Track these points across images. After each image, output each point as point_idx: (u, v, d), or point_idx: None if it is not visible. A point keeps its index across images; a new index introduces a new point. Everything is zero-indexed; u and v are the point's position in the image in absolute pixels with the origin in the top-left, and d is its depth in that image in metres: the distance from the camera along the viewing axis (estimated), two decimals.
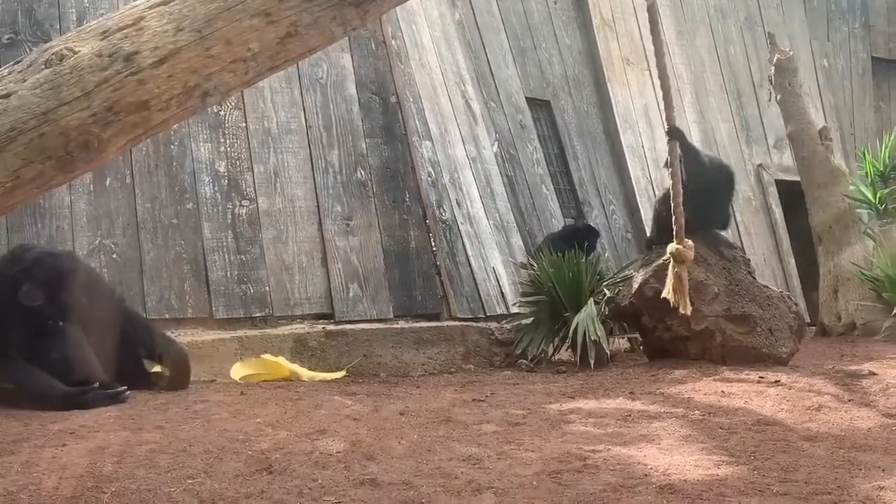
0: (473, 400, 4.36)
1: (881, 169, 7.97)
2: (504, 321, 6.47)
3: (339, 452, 3.15)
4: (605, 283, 6.11)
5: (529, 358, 5.95)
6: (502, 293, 6.88)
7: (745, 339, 5.19)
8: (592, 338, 5.57)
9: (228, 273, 5.79)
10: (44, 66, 3.00)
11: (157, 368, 4.70)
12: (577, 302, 5.92)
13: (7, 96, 2.97)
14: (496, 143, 7.63)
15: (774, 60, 8.21)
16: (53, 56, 3.00)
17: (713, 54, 9.71)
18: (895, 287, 7.17)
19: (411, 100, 6.84)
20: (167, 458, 3.03)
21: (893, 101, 11.14)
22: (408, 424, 3.68)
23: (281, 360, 5.29)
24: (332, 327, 5.89)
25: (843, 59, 10.77)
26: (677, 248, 4.79)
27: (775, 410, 3.91)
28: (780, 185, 9.56)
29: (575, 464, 3.07)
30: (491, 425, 3.68)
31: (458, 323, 6.31)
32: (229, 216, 5.92)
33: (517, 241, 7.34)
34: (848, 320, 7.53)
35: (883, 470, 3.02)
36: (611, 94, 8.69)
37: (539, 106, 8.29)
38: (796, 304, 5.64)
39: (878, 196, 7.80)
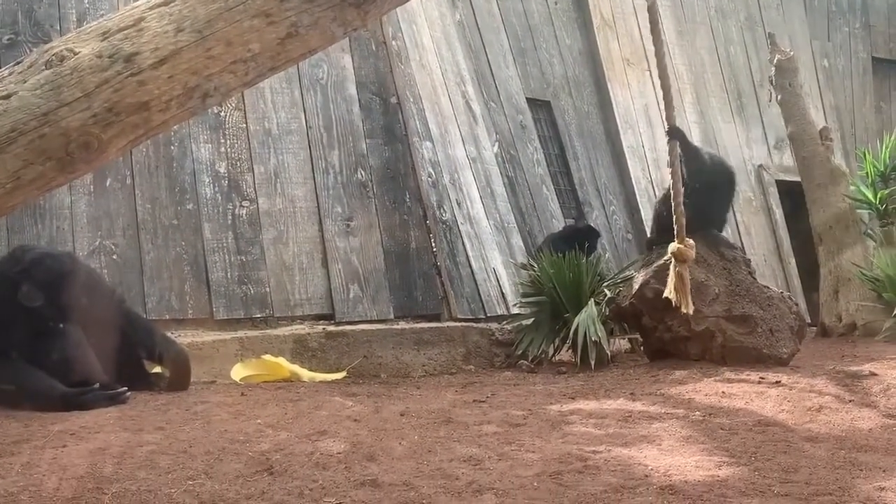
0: (474, 401, 4.35)
1: (882, 169, 7.95)
2: (504, 322, 6.46)
3: (339, 453, 3.14)
4: (605, 284, 6.11)
5: (530, 359, 5.95)
6: (503, 294, 6.87)
7: (745, 340, 5.18)
8: (593, 338, 5.57)
9: (229, 274, 5.79)
10: (44, 67, 3.00)
11: (157, 369, 4.71)
12: (577, 302, 5.93)
13: (7, 97, 2.97)
14: (496, 144, 7.63)
15: (775, 61, 8.20)
16: (54, 57, 3.01)
17: (713, 54, 9.70)
18: (895, 287, 7.16)
19: (412, 100, 6.84)
20: (168, 459, 3.03)
21: (894, 102, 11.12)
22: (408, 425, 3.68)
23: (281, 360, 5.29)
24: (332, 328, 5.89)
25: (844, 60, 10.76)
26: (679, 248, 4.78)
27: (776, 411, 3.91)
28: (781, 185, 9.55)
29: (576, 465, 3.06)
30: (491, 426, 3.68)
31: (458, 323, 6.31)
32: (229, 217, 5.91)
33: (517, 241, 7.34)
34: (848, 321, 7.51)
35: (884, 471, 3.02)
36: (611, 94, 8.68)
37: (539, 106, 8.28)
38: (797, 305, 5.63)
39: (878, 196, 7.79)
